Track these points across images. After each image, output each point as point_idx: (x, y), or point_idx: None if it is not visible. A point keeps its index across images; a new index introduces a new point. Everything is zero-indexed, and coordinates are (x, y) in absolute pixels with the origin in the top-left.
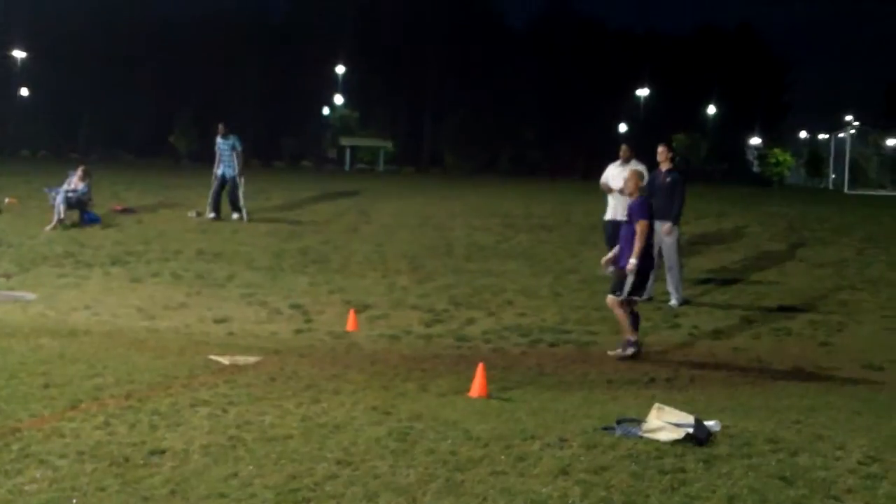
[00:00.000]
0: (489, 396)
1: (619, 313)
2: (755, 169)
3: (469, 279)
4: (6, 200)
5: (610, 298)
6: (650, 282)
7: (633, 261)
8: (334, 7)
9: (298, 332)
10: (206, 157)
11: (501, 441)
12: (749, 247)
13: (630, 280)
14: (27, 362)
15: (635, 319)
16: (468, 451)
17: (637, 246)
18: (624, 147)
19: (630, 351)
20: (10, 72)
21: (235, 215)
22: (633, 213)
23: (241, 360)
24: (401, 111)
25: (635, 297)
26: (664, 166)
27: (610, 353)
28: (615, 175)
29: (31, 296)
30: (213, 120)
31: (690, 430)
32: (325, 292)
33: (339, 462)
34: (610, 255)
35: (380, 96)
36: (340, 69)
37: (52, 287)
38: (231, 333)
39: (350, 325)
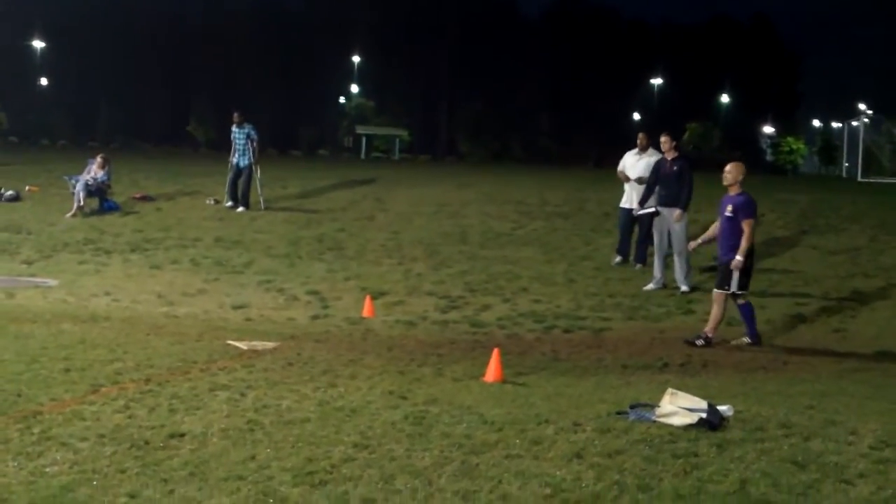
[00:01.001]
0: (504, 381)
1: (716, 309)
2: (768, 157)
3: (484, 266)
4: (27, 188)
5: (715, 293)
6: (662, 271)
7: (738, 258)
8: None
9: (315, 318)
10: (224, 146)
11: (516, 425)
12: (762, 234)
13: (736, 276)
14: (48, 347)
15: (748, 310)
16: (483, 434)
17: (744, 244)
18: (641, 135)
19: (699, 342)
20: (31, 62)
21: (240, 208)
22: (737, 209)
23: (259, 345)
24: (416, 100)
25: (743, 292)
26: (669, 154)
27: (733, 342)
28: (632, 164)
29: (52, 282)
30: (230, 109)
31: (703, 415)
32: (341, 279)
33: (355, 445)
34: (699, 240)
35: (395, 85)
36: (356, 59)
37: (73, 273)
38: (249, 319)
39: (366, 311)
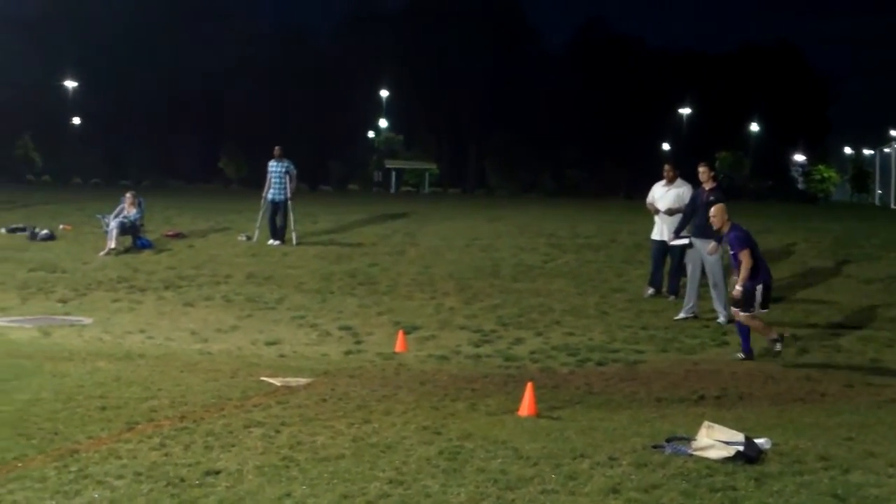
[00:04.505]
0: (538, 415)
1: (755, 324)
2: (800, 185)
3: (516, 299)
4: (61, 227)
5: (742, 315)
6: (695, 300)
7: (738, 287)
8: (376, 32)
9: (348, 353)
10: (255, 183)
11: (551, 460)
12: (795, 264)
13: (751, 298)
14: (84, 385)
15: (746, 329)
16: (518, 469)
17: (743, 274)
18: (667, 167)
19: (778, 346)
20: (63, 101)
21: (277, 242)
22: (733, 245)
23: (293, 381)
24: (445, 133)
25: (763, 311)
26: (707, 185)
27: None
28: (661, 195)
29: (86, 320)
30: (259, 145)
31: (741, 448)
32: (373, 314)
33: (390, 481)
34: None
35: (423, 119)
36: (384, 93)
37: (107, 311)
38: (282, 355)
39: (399, 346)
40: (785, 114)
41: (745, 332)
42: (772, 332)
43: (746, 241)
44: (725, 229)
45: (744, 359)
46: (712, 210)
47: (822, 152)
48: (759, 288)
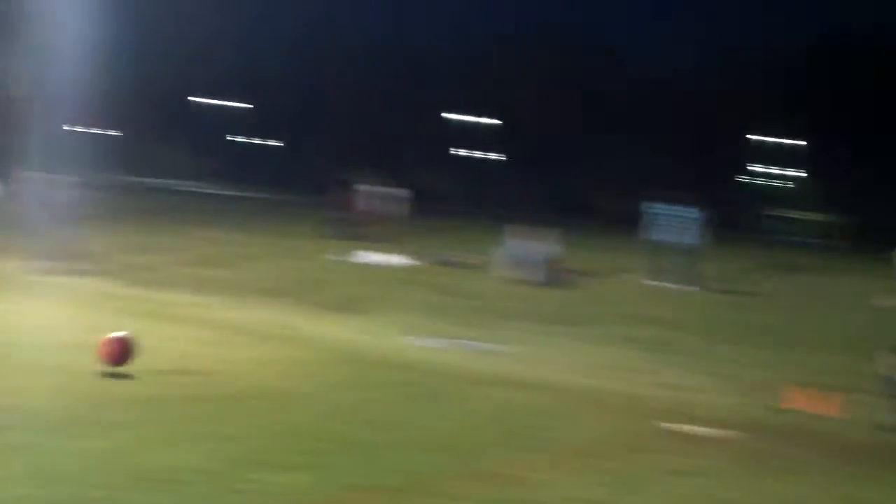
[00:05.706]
0: None
1: None
2: None
3: None
4: (469, 256)
5: None
6: None
7: None
8: (749, 74)
9: (766, 409)
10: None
11: None
12: None
13: None
14: (517, 411)
15: None
16: None
17: None
18: None
19: None
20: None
21: (678, 286)
22: None
23: (705, 432)
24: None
25: None
26: None
27: None
28: None
29: (497, 347)
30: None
31: None
32: (792, 370)
33: None
34: None
35: (840, 167)
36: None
37: (517, 342)
38: (685, 402)
39: (825, 407)
40: None
41: None
42: None
43: None
44: None
45: None
46: None
47: None
48: None
